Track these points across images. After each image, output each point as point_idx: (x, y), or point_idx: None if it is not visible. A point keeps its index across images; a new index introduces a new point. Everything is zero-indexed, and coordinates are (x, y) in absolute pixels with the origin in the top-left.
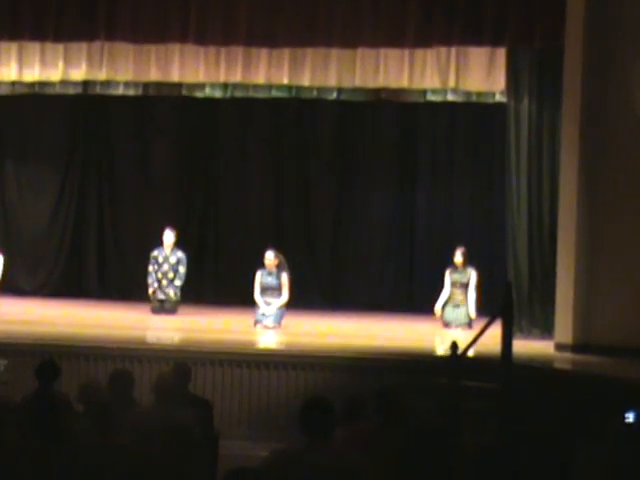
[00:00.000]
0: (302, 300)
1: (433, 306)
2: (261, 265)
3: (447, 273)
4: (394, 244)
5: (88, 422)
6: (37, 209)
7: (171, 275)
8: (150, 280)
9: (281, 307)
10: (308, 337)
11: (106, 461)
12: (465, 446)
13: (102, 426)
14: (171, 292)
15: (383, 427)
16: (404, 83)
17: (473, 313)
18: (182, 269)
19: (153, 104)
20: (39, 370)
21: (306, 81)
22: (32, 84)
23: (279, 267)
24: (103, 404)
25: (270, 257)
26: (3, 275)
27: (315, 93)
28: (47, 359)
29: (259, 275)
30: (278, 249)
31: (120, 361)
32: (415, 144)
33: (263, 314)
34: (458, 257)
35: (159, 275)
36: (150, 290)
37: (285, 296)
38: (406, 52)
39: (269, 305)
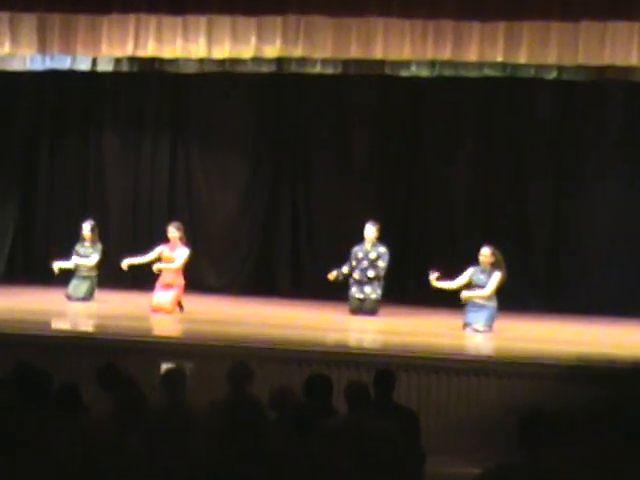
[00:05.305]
0: (516, 301)
1: None
2: (474, 262)
3: None
4: (620, 242)
5: (282, 430)
6: (225, 200)
7: (371, 273)
8: (350, 279)
9: (491, 307)
10: (523, 342)
11: (302, 473)
12: None
13: (297, 435)
14: (370, 290)
15: (613, 442)
16: (633, 60)
17: None
18: (382, 264)
19: (353, 84)
20: (231, 373)
21: (522, 58)
22: (222, 61)
23: (494, 265)
24: (299, 411)
25: (486, 253)
26: (189, 270)
27: (532, 72)
28: (239, 362)
29: (471, 271)
30: (492, 245)
31: (317, 366)
32: None
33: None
34: None
35: (358, 272)
36: (350, 290)
37: (486, 291)
38: (635, 25)
39: (475, 306)
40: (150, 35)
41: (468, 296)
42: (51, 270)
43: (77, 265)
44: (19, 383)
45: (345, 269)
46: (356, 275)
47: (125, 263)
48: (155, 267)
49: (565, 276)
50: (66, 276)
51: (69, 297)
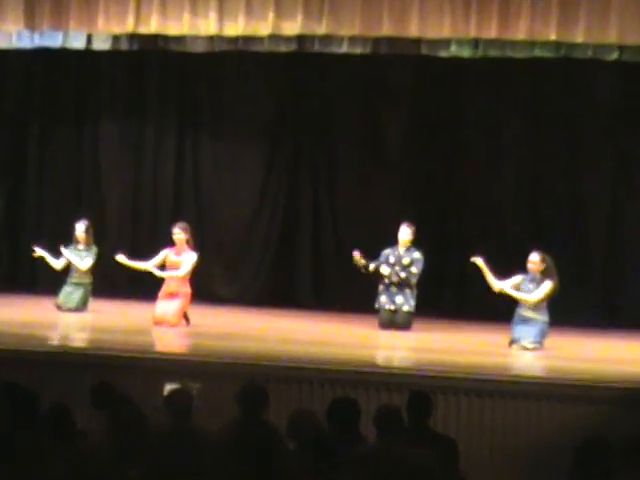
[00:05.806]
0: (568, 315)
1: None
2: (521, 269)
3: None
4: None
5: (302, 460)
6: (239, 195)
7: (402, 274)
8: (380, 286)
9: (542, 322)
10: (577, 362)
11: None
12: None
13: (320, 465)
14: (402, 300)
15: None
16: None
17: None
18: (415, 270)
19: (384, 65)
20: (242, 395)
21: (579, 37)
22: (235, 39)
23: (544, 273)
24: (321, 439)
25: (535, 260)
26: (196, 277)
27: (590, 52)
28: (251, 382)
29: (519, 279)
30: (543, 250)
31: (341, 387)
32: None
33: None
34: None
35: (388, 278)
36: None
37: (532, 296)
38: None
39: (523, 320)
40: (153, 9)
41: (501, 289)
42: (34, 260)
43: (69, 262)
44: (5, 404)
45: (372, 266)
46: (385, 278)
47: (120, 258)
48: (156, 273)
49: (624, 287)
50: (56, 283)
51: (59, 307)
